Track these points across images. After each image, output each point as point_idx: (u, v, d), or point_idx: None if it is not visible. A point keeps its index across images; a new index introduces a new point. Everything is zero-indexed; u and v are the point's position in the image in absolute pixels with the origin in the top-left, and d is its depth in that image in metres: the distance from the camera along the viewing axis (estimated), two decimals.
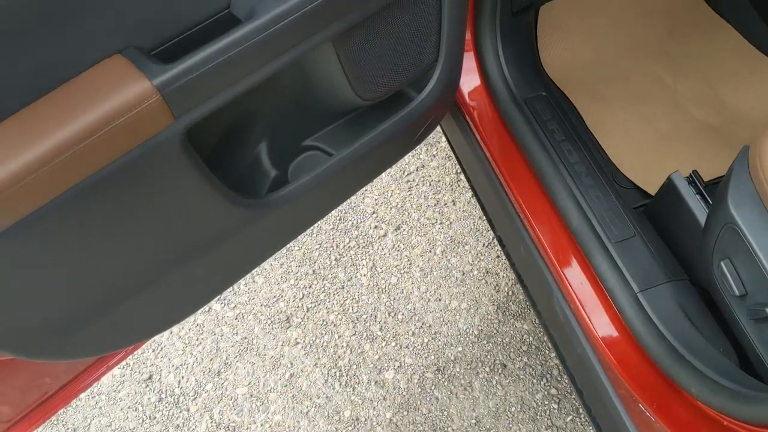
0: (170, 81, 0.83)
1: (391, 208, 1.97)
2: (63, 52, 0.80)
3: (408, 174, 2.03)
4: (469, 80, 1.48)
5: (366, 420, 1.67)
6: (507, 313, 1.80)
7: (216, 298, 1.85)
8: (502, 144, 1.44)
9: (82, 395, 1.76)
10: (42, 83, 0.80)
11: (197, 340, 1.81)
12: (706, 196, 1.24)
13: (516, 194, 1.40)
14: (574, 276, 1.28)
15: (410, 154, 2.07)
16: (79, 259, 0.93)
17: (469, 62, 1.46)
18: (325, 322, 1.81)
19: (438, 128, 1.75)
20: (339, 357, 1.76)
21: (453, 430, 1.66)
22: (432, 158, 2.06)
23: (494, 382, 1.71)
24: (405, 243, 1.91)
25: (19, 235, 0.82)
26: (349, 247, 1.91)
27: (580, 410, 1.67)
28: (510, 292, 1.83)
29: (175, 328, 1.82)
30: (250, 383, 1.74)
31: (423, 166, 2.04)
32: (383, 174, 2.04)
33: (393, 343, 1.77)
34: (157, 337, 1.80)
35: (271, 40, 0.90)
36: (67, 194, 0.83)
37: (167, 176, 0.92)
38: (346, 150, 1.17)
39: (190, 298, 1.14)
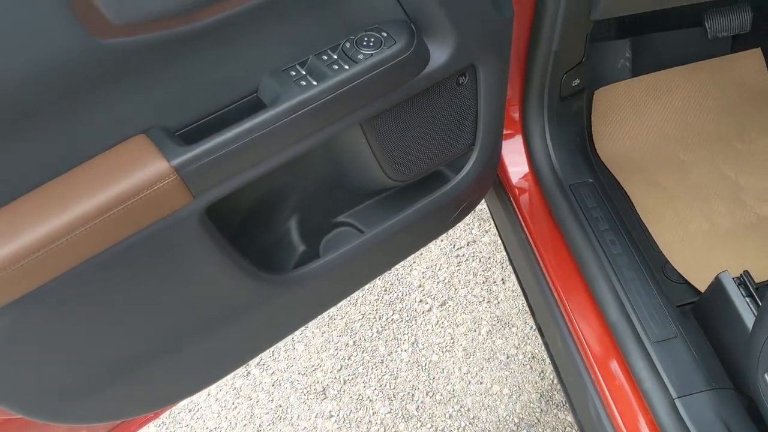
0: (189, 162, 0.85)
1: (438, 282, 1.94)
2: (92, 130, 0.83)
3: (458, 248, 2.01)
4: (516, 160, 1.46)
5: None
6: (550, 403, 1.73)
7: (246, 364, 1.85)
8: (544, 228, 1.41)
9: None
10: (70, 158, 0.84)
11: (233, 404, 1.81)
12: (757, 299, 1.16)
13: (555, 282, 1.35)
14: (610, 374, 1.21)
15: (462, 228, 2.05)
16: (97, 327, 0.94)
17: (516, 143, 1.45)
18: (361, 397, 1.78)
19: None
20: None
21: None
22: (484, 234, 2.03)
23: None
24: (449, 320, 1.87)
25: (42, 300, 0.84)
26: (392, 320, 1.89)
27: None
28: (554, 381, 1.76)
29: (212, 390, 1.83)
30: None
31: (474, 241, 2.01)
32: (432, 246, 2.02)
33: (429, 425, 1.72)
34: (194, 397, 1.81)
35: (292, 125, 0.91)
36: (86, 264, 0.85)
37: (186, 251, 0.94)
38: (378, 228, 1.17)
39: (211, 368, 1.15)
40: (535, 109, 1.41)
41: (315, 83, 0.92)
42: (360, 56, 0.95)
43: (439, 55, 1.02)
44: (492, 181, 1.31)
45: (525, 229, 1.43)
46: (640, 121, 1.61)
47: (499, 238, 1.99)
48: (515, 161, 1.44)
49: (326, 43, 0.96)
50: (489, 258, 1.98)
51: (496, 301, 1.90)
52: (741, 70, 1.68)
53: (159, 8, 0.76)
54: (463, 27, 1.01)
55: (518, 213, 1.44)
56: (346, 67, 0.94)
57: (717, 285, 1.19)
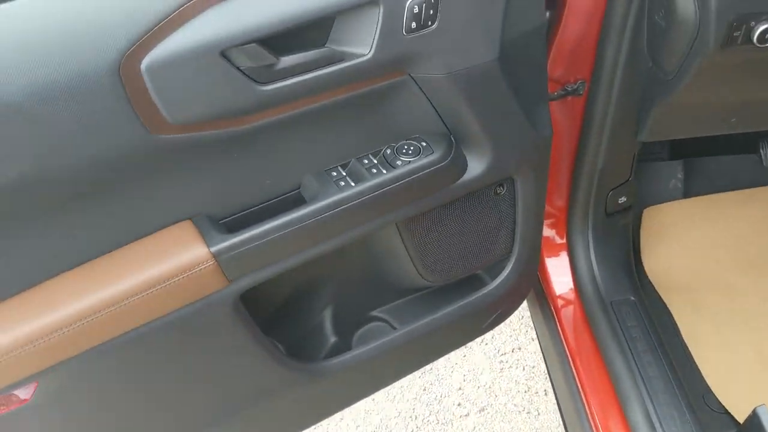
0: (228, 249, 0.91)
1: (478, 387, 1.92)
2: (144, 214, 0.91)
3: (502, 354, 1.99)
4: (560, 271, 1.46)
5: None
6: None
7: None
8: (583, 343, 1.40)
9: None
10: (123, 237, 0.91)
11: None
12: None
13: (589, 399, 1.33)
14: None
15: (508, 333, 2.04)
16: (129, 398, 1.00)
17: (561, 254, 1.46)
18: None
19: None
20: None
21: None
22: (530, 342, 2.01)
23: None
24: (487, 428, 1.84)
25: (80, 367, 0.91)
26: (428, 421, 1.87)
27: None
28: None
29: None
30: None
31: (519, 348, 2.00)
32: (476, 349, 2.01)
33: None
34: None
35: (328, 221, 0.97)
36: (123, 338, 0.91)
37: (219, 333, 0.99)
38: (410, 326, 1.20)
39: None
40: (580, 223, 1.43)
41: (353, 184, 0.98)
42: (399, 162, 1.01)
43: (476, 166, 1.07)
44: (529, 290, 1.33)
45: (564, 341, 1.42)
46: (691, 243, 1.60)
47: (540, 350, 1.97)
48: (559, 272, 1.45)
49: (369, 147, 1.03)
50: (533, 367, 1.96)
51: (536, 413, 1.86)
52: None
53: (211, 112, 0.84)
54: (501, 143, 1.06)
55: (558, 325, 1.44)
56: (384, 171, 1.00)
57: (754, 419, 1.15)
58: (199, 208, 0.94)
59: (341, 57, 0.89)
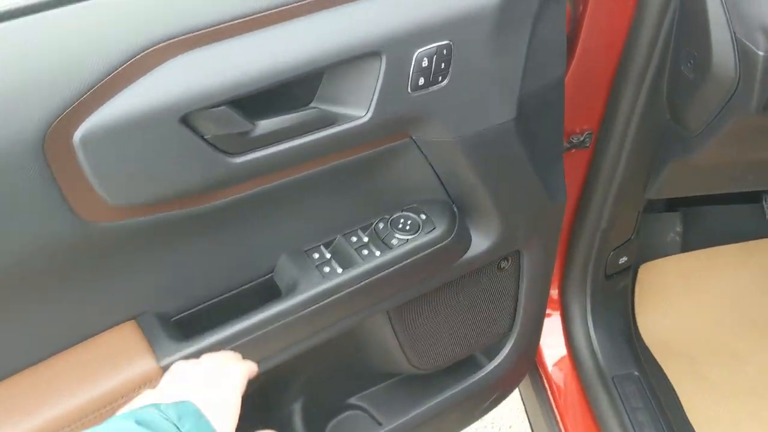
0: None
1: None
2: (81, 313, 0.71)
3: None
4: (552, 342, 1.30)
5: None
6: None
7: None
8: (581, 424, 1.24)
9: None
10: (57, 341, 0.71)
11: None
12: None
13: None
14: None
15: (495, 409, 1.87)
16: None
17: (554, 322, 1.30)
18: None
19: None
20: None
21: None
22: (521, 421, 1.83)
23: None
24: None
25: None
26: None
27: None
28: None
29: None
30: None
31: (510, 427, 1.82)
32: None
33: None
34: None
35: (308, 318, 0.78)
36: None
37: None
38: (398, 420, 1.01)
39: None
40: (576, 287, 1.28)
41: (340, 270, 0.80)
42: (394, 241, 0.83)
43: (481, 241, 0.91)
44: (529, 369, 1.17)
45: (559, 422, 1.26)
46: (690, 303, 1.47)
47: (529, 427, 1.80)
48: (552, 343, 1.29)
49: (358, 220, 0.85)
50: None
51: None
52: None
53: (164, 192, 0.65)
54: (511, 214, 0.89)
55: (553, 403, 1.28)
56: (377, 253, 0.82)
57: None
58: (145, 305, 0.74)
59: (332, 119, 0.71)
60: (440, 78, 0.72)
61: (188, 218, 0.69)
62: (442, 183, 0.85)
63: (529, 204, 0.91)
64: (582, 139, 1.12)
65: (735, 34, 0.87)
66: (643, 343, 1.37)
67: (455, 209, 0.88)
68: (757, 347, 1.41)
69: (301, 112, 0.69)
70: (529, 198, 0.90)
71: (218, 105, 0.62)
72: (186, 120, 0.62)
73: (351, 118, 0.71)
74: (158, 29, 0.59)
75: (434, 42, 0.70)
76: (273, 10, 0.63)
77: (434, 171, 0.83)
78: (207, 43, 0.61)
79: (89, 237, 0.64)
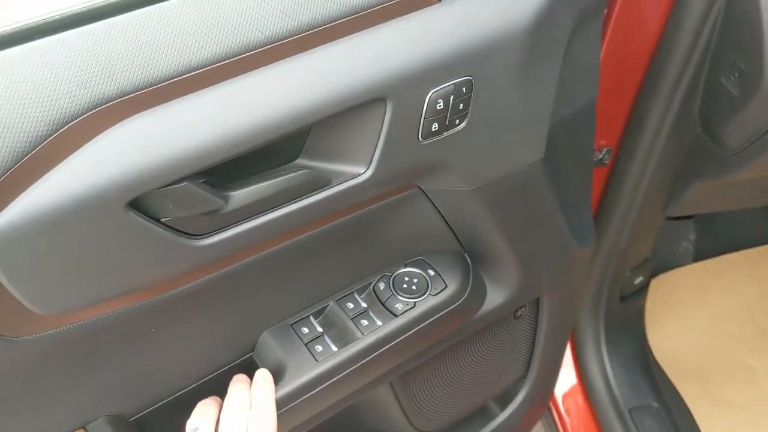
0: None
1: None
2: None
3: None
4: (563, 372, 1.18)
5: None
6: None
7: None
8: None
9: None
10: None
11: None
12: None
13: None
14: None
15: None
16: None
17: (566, 357, 1.18)
18: None
19: None
20: None
21: None
22: None
23: None
24: None
25: None
26: None
27: None
28: None
29: None
30: None
31: None
32: None
33: None
34: None
35: (299, 408, 0.64)
36: None
37: None
38: None
39: None
40: (589, 311, 1.16)
41: (335, 349, 0.66)
42: (398, 305, 0.69)
43: (498, 292, 0.77)
44: (542, 415, 1.05)
45: None
46: (703, 317, 1.36)
47: None
48: (562, 373, 1.17)
49: (354, 279, 0.71)
50: None
51: None
52: None
53: (108, 292, 0.50)
54: (532, 262, 0.76)
55: None
56: (379, 323, 0.68)
57: None
58: (97, 410, 0.60)
59: (324, 181, 0.56)
60: (457, 121, 0.58)
61: (147, 308, 0.54)
62: (453, 232, 0.71)
63: (553, 250, 0.77)
64: (601, 156, 0.98)
65: None
66: (659, 368, 1.25)
67: (468, 259, 0.74)
68: None
69: (286, 176, 0.54)
70: (554, 243, 0.76)
71: (178, 181, 0.47)
72: (136, 204, 0.47)
73: (348, 176, 0.56)
74: (95, 87, 0.44)
75: (452, 79, 0.56)
76: (247, 54, 0.48)
77: (444, 219, 0.69)
78: (161, 101, 0.46)
79: (20, 355, 0.49)
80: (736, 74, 0.81)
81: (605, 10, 0.85)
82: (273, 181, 0.53)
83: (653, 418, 1.13)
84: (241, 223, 0.53)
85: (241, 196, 0.51)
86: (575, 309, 0.90)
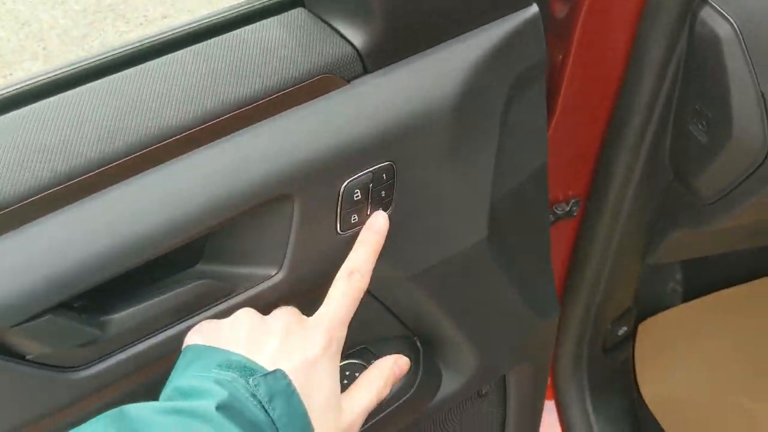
0: None
1: None
2: None
3: None
4: None
5: None
6: None
7: None
8: None
9: None
10: None
11: None
12: None
13: None
14: None
15: None
16: None
17: (548, 412, 1.11)
18: None
19: None
20: None
21: None
22: None
23: None
24: None
25: None
26: None
27: None
28: None
29: None
30: None
31: None
32: None
33: None
34: None
35: None
36: None
37: None
38: None
39: None
40: (571, 368, 1.08)
41: None
42: None
43: (454, 378, 0.70)
44: None
45: None
46: (696, 360, 1.28)
47: None
48: None
49: None
50: None
51: None
52: None
53: None
54: (490, 342, 0.69)
55: None
56: None
57: None
58: None
59: (228, 289, 0.49)
60: (381, 210, 0.52)
61: None
62: (397, 318, 0.65)
63: (511, 328, 0.70)
64: (568, 208, 0.91)
65: (764, 94, 0.67)
66: (653, 420, 1.18)
67: (418, 342, 0.67)
68: None
69: (182, 289, 0.47)
70: (510, 321, 0.69)
71: (40, 315, 0.41)
72: None
73: (256, 279, 0.50)
74: None
75: (369, 167, 0.49)
76: (125, 159, 0.42)
77: (386, 307, 0.63)
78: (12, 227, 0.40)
79: None
80: (704, 122, 0.75)
81: (560, 57, 0.79)
82: (163, 297, 0.46)
83: None
84: (129, 347, 0.46)
85: (123, 318, 0.45)
86: (543, 385, 0.82)
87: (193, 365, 0.44)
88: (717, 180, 0.78)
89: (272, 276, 0.50)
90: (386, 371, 0.55)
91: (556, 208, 0.91)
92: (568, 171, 0.89)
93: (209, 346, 0.45)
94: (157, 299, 0.46)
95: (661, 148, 0.83)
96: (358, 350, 0.65)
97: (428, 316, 0.64)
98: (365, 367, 0.64)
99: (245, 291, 0.49)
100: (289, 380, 0.43)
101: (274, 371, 0.43)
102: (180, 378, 0.43)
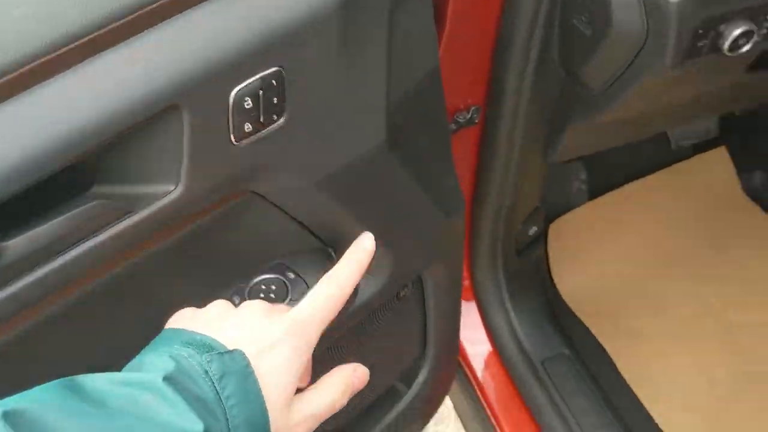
0: None
1: None
2: None
3: None
4: (474, 337, 1.16)
5: None
6: None
7: None
8: (515, 419, 1.12)
9: None
10: None
11: None
12: None
13: None
14: None
15: None
16: None
17: (471, 315, 1.16)
18: None
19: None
20: None
21: None
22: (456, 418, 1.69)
23: None
24: None
25: None
26: None
27: None
28: None
29: None
30: None
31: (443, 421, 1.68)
32: None
33: None
34: None
35: None
36: None
37: None
38: None
39: None
40: (488, 271, 1.13)
41: None
42: None
43: (372, 281, 0.73)
44: (449, 387, 1.02)
45: (492, 420, 1.14)
46: (605, 252, 1.36)
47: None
48: (472, 336, 1.15)
49: (203, 298, 0.65)
50: None
51: None
52: (707, 174, 1.46)
53: None
54: (401, 244, 0.72)
55: (482, 400, 1.15)
56: None
57: None
58: None
59: (126, 207, 0.50)
60: (275, 117, 0.52)
61: None
62: (308, 229, 0.66)
63: (421, 228, 0.73)
64: (469, 116, 0.94)
65: None
66: (570, 313, 1.25)
67: (332, 253, 0.69)
68: (678, 284, 1.32)
69: (76, 211, 0.47)
70: (419, 221, 0.72)
71: None
72: None
73: (152, 197, 0.50)
74: None
75: (257, 73, 0.50)
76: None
77: (295, 219, 0.64)
78: None
79: None
80: (586, 14, 0.78)
81: None
82: (57, 221, 0.46)
83: (566, 365, 1.13)
84: (27, 275, 0.46)
85: (17, 245, 0.45)
86: (459, 280, 0.86)
87: (158, 343, 0.46)
88: (602, 70, 0.82)
89: (170, 192, 0.50)
90: (344, 381, 0.54)
91: (458, 117, 0.94)
92: (464, 80, 0.91)
93: (180, 328, 0.47)
94: (50, 223, 0.46)
95: (550, 45, 0.86)
96: (273, 266, 0.67)
97: (338, 223, 0.66)
98: (282, 281, 0.66)
99: (143, 209, 0.50)
100: (248, 362, 0.44)
101: (232, 351, 0.44)
102: (142, 354, 0.46)
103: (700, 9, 0.69)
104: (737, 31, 0.71)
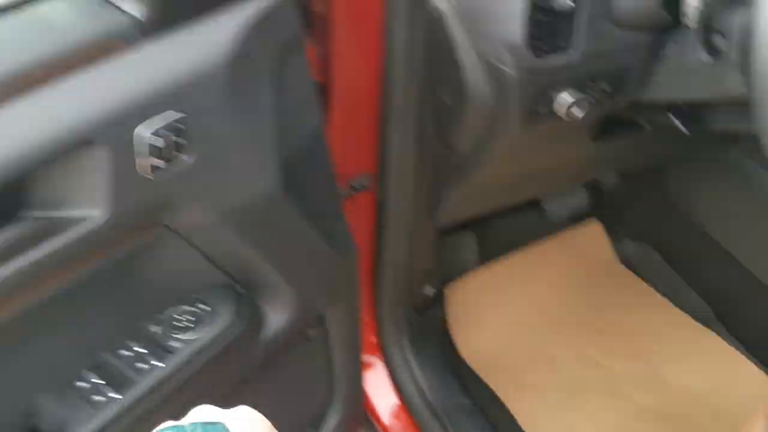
0: None
1: None
2: None
3: None
4: (381, 390, 1.24)
5: None
6: None
7: None
8: None
9: None
10: None
11: None
12: None
13: None
14: None
15: None
16: None
17: (379, 369, 1.24)
18: None
19: None
20: None
21: None
22: None
23: None
24: None
25: None
26: None
27: None
28: None
29: None
30: None
31: None
32: None
33: None
34: None
35: None
36: None
37: None
38: None
39: None
40: (392, 328, 1.23)
41: (118, 396, 0.67)
42: (176, 344, 0.72)
43: (278, 317, 0.82)
44: (358, 428, 1.09)
45: None
46: (500, 316, 1.48)
47: None
48: (381, 391, 1.23)
49: (125, 330, 0.72)
50: None
51: None
52: (583, 244, 1.63)
53: None
54: (301, 281, 0.82)
55: None
56: (159, 363, 0.70)
57: None
58: None
59: (47, 231, 0.58)
60: (185, 157, 0.63)
61: None
62: (216, 266, 0.76)
63: (318, 266, 0.84)
64: (362, 183, 1.07)
65: (482, 56, 0.87)
66: (468, 367, 1.35)
67: (240, 290, 0.79)
68: (566, 346, 1.44)
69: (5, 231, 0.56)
70: (316, 260, 0.83)
71: None
72: None
73: (74, 223, 0.59)
74: None
75: (161, 115, 0.61)
76: None
77: (205, 255, 0.74)
78: None
79: None
80: (448, 87, 0.94)
81: (327, 53, 0.95)
82: None
83: (465, 413, 1.22)
84: None
85: None
86: (357, 322, 0.96)
87: None
88: (466, 135, 0.97)
89: (89, 219, 0.59)
90: None
91: (351, 183, 1.07)
92: (354, 150, 1.04)
93: None
94: None
95: (425, 118, 1.01)
96: (186, 298, 0.75)
97: (244, 262, 0.76)
98: (194, 311, 0.75)
99: (63, 233, 0.58)
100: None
101: (215, 423, 0.46)
102: None
103: (535, 79, 0.86)
104: (570, 99, 0.87)
